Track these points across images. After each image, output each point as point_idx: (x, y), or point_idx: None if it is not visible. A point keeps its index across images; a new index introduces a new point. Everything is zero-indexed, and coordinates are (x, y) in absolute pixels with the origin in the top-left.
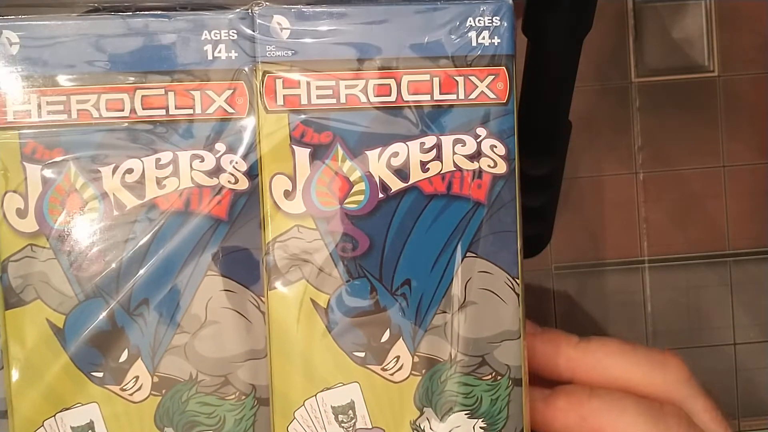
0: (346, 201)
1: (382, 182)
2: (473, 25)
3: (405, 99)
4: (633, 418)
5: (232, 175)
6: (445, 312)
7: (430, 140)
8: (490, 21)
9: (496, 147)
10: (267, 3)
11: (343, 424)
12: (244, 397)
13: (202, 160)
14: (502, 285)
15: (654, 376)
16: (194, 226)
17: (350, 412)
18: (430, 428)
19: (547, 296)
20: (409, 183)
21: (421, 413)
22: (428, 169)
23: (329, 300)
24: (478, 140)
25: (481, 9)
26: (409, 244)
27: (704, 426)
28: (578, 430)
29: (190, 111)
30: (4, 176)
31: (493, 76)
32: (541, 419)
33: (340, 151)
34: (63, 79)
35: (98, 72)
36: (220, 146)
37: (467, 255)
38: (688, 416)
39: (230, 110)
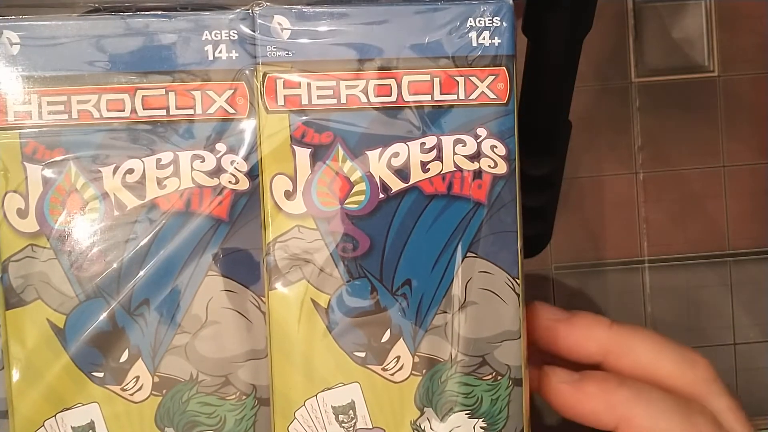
0: (346, 201)
1: (382, 182)
2: (474, 25)
3: (405, 99)
4: (661, 412)
5: (233, 175)
6: (446, 312)
7: (430, 140)
8: (491, 21)
9: (496, 147)
10: (267, 3)
11: (343, 424)
12: (244, 397)
13: (203, 161)
14: (502, 285)
15: (684, 371)
16: (195, 226)
17: (351, 412)
18: (431, 428)
19: (547, 296)
20: (410, 183)
21: (422, 413)
22: (429, 169)
23: (330, 300)
24: (478, 140)
25: (482, 9)
26: (409, 245)
27: (728, 424)
28: (605, 417)
29: (191, 111)
30: (4, 176)
31: (493, 77)
32: (569, 402)
33: (341, 152)
34: (63, 79)
35: (99, 72)
36: (220, 146)
37: (467, 255)
38: (714, 416)
39: (231, 110)
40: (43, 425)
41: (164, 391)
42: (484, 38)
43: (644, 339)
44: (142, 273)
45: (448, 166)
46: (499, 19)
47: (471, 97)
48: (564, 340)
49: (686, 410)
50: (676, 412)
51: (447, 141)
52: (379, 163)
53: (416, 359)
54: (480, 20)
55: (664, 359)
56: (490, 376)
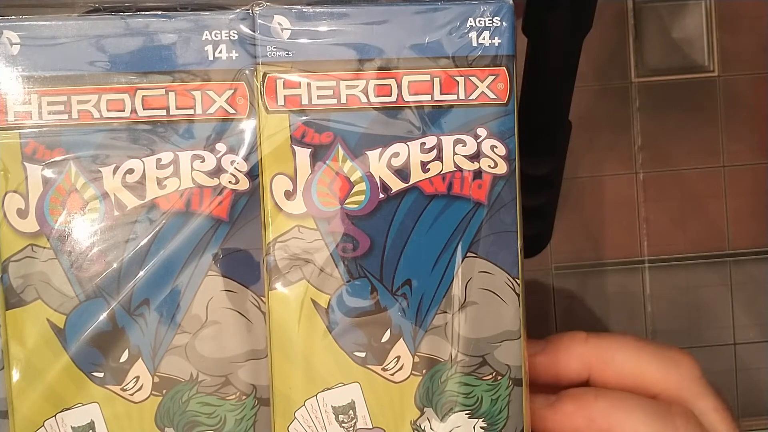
0: (346, 201)
1: (382, 182)
2: (474, 25)
3: (405, 99)
4: (641, 418)
5: (233, 175)
6: (446, 312)
7: (430, 140)
8: (491, 21)
9: (496, 147)
10: (268, 3)
11: (343, 424)
12: (244, 397)
13: (203, 161)
14: (502, 285)
15: (667, 373)
16: (195, 226)
17: (351, 412)
18: (431, 428)
19: (547, 296)
20: (410, 183)
21: (422, 413)
22: (429, 169)
23: (330, 300)
24: (478, 140)
25: (482, 9)
26: (409, 245)
27: (713, 425)
28: None
29: (191, 111)
30: (4, 176)
31: (493, 77)
32: (549, 426)
33: (341, 152)
34: (64, 79)
35: (99, 72)
36: (220, 146)
37: (468, 255)
38: (696, 417)
39: (231, 110)
40: (43, 425)
41: (164, 391)
42: (484, 38)
43: (623, 346)
44: (142, 273)
45: (448, 166)
46: (499, 19)
47: (471, 97)
48: (547, 369)
49: (667, 414)
50: (657, 417)
51: (447, 141)
52: (379, 163)
53: (416, 359)
54: (480, 20)
55: (646, 363)
56: (490, 376)
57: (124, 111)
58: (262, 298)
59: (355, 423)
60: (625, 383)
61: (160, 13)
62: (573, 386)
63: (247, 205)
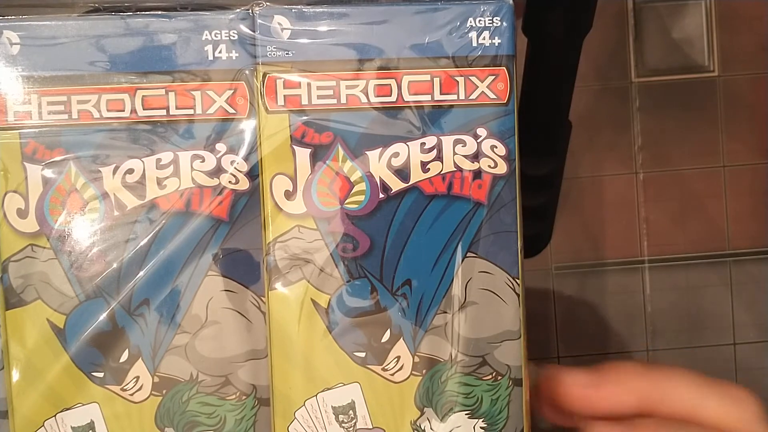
0: (346, 201)
1: (382, 182)
2: (474, 25)
3: (405, 99)
4: None
5: (233, 175)
6: (446, 312)
7: (430, 140)
8: (491, 21)
9: (496, 147)
10: (268, 3)
11: (343, 425)
12: (244, 397)
13: (203, 161)
14: (502, 285)
15: (727, 410)
16: (195, 226)
17: (351, 412)
18: (431, 428)
19: (547, 296)
20: (410, 183)
21: (422, 413)
22: (429, 169)
23: (330, 300)
24: (478, 140)
25: (482, 9)
26: (409, 245)
27: None
28: None
29: (191, 111)
30: (4, 176)
31: (493, 77)
32: None
33: (341, 152)
34: (63, 79)
35: (99, 72)
36: (220, 146)
37: (467, 255)
38: None
39: (231, 110)
40: (43, 425)
41: (164, 391)
42: (484, 38)
43: (681, 381)
44: (142, 273)
45: (448, 166)
46: (499, 19)
47: (471, 97)
48: (602, 403)
49: None
50: None
51: (447, 141)
52: (379, 163)
53: (416, 359)
54: (480, 20)
55: (705, 400)
56: (490, 376)
57: (124, 111)
58: (262, 298)
59: (355, 423)
60: (683, 418)
61: (160, 13)
62: (625, 417)
63: (247, 205)
